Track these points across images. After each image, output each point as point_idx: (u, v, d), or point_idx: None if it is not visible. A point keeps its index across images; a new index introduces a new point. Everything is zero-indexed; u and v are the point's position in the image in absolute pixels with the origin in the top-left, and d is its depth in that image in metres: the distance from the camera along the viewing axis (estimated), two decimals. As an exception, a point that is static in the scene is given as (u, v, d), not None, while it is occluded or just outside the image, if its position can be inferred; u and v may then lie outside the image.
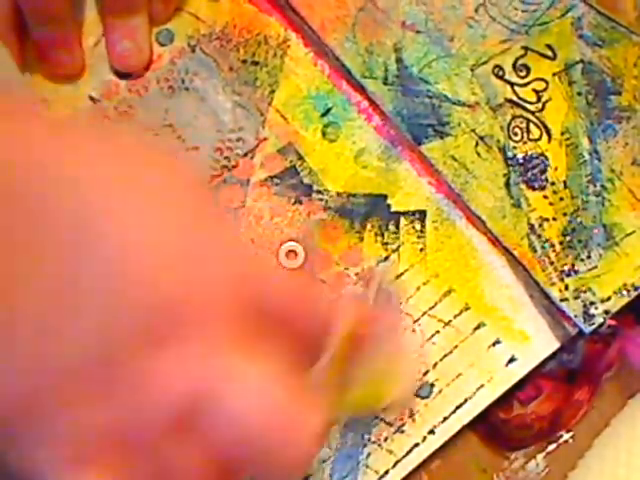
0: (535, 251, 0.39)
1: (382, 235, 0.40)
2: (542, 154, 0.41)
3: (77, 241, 0.27)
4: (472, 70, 0.41)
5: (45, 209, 0.27)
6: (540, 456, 0.38)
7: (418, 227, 0.40)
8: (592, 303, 0.38)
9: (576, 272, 0.39)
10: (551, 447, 0.39)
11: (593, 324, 0.38)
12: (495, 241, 0.40)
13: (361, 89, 0.41)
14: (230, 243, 0.30)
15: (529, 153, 0.41)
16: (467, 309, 0.39)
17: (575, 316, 0.38)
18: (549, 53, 0.42)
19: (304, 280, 0.34)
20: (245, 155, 0.41)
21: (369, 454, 0.38)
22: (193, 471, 0.28)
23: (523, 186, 0.40)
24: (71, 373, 0.27)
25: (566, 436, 0.39)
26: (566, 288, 0.38)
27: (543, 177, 0.40)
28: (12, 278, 0.26)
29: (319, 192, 0.40)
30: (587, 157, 0.40)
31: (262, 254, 0.36)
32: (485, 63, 0.42)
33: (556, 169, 0.40)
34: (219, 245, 0.29)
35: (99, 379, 0.27)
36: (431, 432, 0.38)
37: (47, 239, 0.27)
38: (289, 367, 0.29)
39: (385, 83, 0.41)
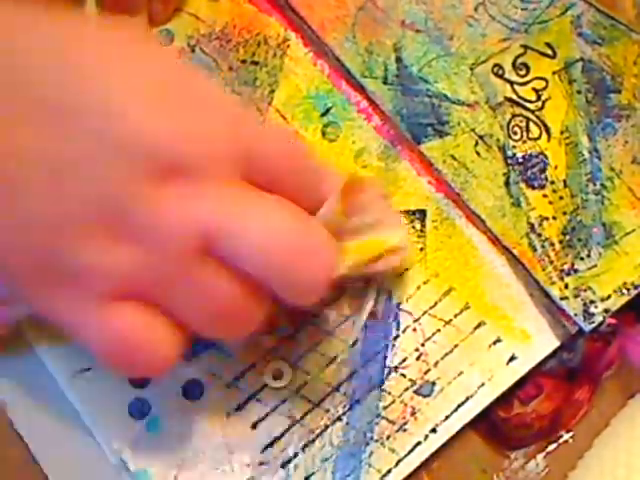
0: (535, 250, 0.39)
1: (382, 235, 0.40)
2: (542, 153, 0.41)
3: (74, 93, 0.29)
4: (472, 69, 0.42)
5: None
6: (540, 456, 0.38)
7: (418, 226, 0.40)
8: (592, 302, 0.38)
9: (576, 271, 0.39)
10: (551, 447, 0.39)
11: (593, 323, 0.38)
12: (495, 240, 0.40)
13: (361, 89, 0.42)
14: (220, 100, 0.32)
15: (529, 152, 0.41)
16: (467, 308, 0.39)
17: (575, 315, 0.38)
18: (549, 52, 0.42)
19: (293, 139, 0.35)
20: (246, 155, 0.41)
21: (372, 452, 0.38)
22: (224, 292, 0.30)
23: (523, 185, 0.40)
24: (87, 214, 0.29)
25: (566, 436, 0.39)
26: (566, 287, 0.39)
27: (543, 176, 0.40)
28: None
29: (319, 192, 0.40)
30: (587, 156, 0.41)
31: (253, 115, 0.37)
32: (485, 62, 0.42)
33: (556, 168, 0.40)
34: (210, 100, 0.31)
35: (113, 221, 0.29)
36: (433, 430, 0.38)
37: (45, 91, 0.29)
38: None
39: (385, 83, 0.41)
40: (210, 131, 0.30)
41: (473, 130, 0.41)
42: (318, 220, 0.33)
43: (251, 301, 0.31)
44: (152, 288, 0.30)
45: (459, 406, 0.38)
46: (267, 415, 0.38)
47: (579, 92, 0.41)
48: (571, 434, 0.39)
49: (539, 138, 0.41)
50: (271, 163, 0.32)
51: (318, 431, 0.38)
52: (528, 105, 0.41)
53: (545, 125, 0.41)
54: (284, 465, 0.38)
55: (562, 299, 0.38)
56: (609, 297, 0.38)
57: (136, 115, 0.29)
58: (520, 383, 0.39)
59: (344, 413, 0.38)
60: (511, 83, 0.41)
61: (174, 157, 0.29)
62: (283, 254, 0.30)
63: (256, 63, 0.42)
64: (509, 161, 0.40)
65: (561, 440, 0.38)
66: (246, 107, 0.36)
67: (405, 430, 0.38)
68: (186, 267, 0.30)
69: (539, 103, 0.41)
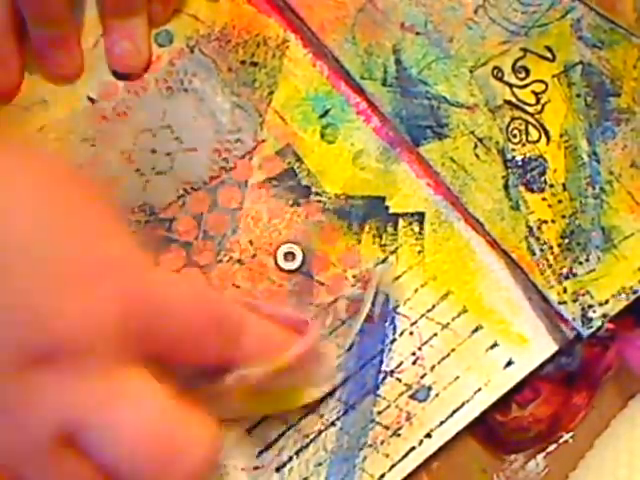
0: (534, 254, 0.39)
1: (380, 237, 0.40)
2: (541, 156, 0.40)
3: None
4: (471, 72, 0.41)
5: None
6: (540, 456, 0.38)
7: (416, 229, 0.40)
8: (590, 306, 0.38)
9: (574, 275, 0.39)
10: (551, 447, 0.38)
11: (591, 327, 0.38)
12: (493, 243, 0.40)
13: (360, 90, 0.41)
14: (112, 257, 0.28)
15: (528, 155, 0.40)
16: (465, 312, 0.39)
17: (573, 319, 0.38)
18: (548, 55, 0.42)
19: (205, 295, 0.32)
20: (243, 157, 0.41)
21: (365, 457, 0.37)
22: None
23: (522, 188, 0.40)
24: None
25: (566, 436, 0.38)
26: (564, 291, 0.38)
27: (542, 179, 0.40)
28: None
29: (317, 194, 0.40)
30: (586, 159, 0.40)
31: (146, 262, 0.30)
32: (484, 65, 0.41)
33: (555, 171, 0.40)
34: (98, 260, 0.28)
35: None
36: (428, 435, 0.38)
37: None
38: (180, 384, 0.29)
39: (384, 84, 0.41)
40: (101, 307, 0.27)
41: (472, 133, 0.41)
42: (223, 388, 0.32)
43: None
44: (11, 469, 0.29)
45: (455, 411, 0.38)
46: (262, 420, 0.38)
47: (578, 95, 0.41)
48: (571, 434, 0.38)
49: (538, 141, 0.41)
50: (169, 335, 0.29)
51: (312, 436, 0.38)
52: (527, 108, 0.41)
53: (544, 128, 0.41)
54: (278, 469, 0.38)
55: (560, 303, 0.38)
56: (607, 302, 0.38)
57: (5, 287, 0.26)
58: (518, 386, 0.38)
59: (338, 418, 0.38)
60: (510, 86, 0.41)
61: (51, 340, 0.27)
62: (150, 454, 0.28)
63: (255, 64, 0.42)
64: (508, 164, 0.40)
65: (561, 440, 0.38)
66: (144, 254, 0.30)
67: (399, 435, 0.38)
68: (43, 455, 0.28)
69: (538, 106, 0.41)
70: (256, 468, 0.37)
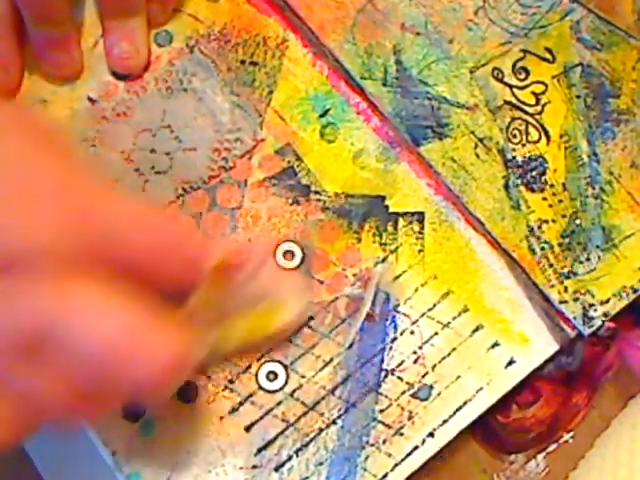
0: (534, 253, 0.39)
1: (380, 236, 0.40)
2: (541, 156, 0.40)
3: None
4: (471, 72, 0.41)
5: None
6: (540, 456, 0.38)
7: (417, 228, 0.40)
8: (591, 305, 0.38)
9: (575, 274, 0.39)
10: (551, 447, 0.38)
11: (592, 326, 0.38)
12: (494, 243, 0.40)
13: (360, 90, 0.41)
14: (59, 180, 0.30)
15: (528, 155, 0.40)
16: (466, 311, 0.39)
17: (574, 318, 0.38)
18: (548, 56, 0.42)
19: (161, 217, 0.33)
20: (243, 156, 0.41)
21: (367, 457, 0.37)
22: (52, 393, 0.29)
23: (522, 188, 0.40)
24: None
25: (567, 436, 0.38)
26: (565, 290, 0.38)
27: (542, 179, 0.40)
28: None
29: (317, 193, 0.40)
30: (586, 159, 0.40)
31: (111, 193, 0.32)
32: (484, 65, 0.42)
33: (555, 171, 0.40)
34: (51, 183, 0.30)
35: None
36: (430, 435, 0.37)
37: None
38: (146, 303, 0.29)
39: (384, 84, 0.41)
40: (45, 222, 0.29)
41: (473, 133, 0.41)
42: (185, 310, 0.32)
43: (75, 401, 0.30)
44: None
45: (457, 410, 0.38)
46: (261, 418, 0.38)
47: (578, 96, 0.41)
48: (571, 434, 0.38)
49: (538, 141, 0.41)
50: (127, 251, 0.30)
51: (312, 435, 0.38)
52: (527, 109, 0.41)
53: (544, 129, 0.41)
54: (278, 468, 0.37)
55: (561, 302, 0.38)
56: (608, 301, 0.38)
57: None
58: (518, 388, 0.38)
59: (339, 417, 0.38)
60: (510, 87, 0.41)
61: (3, 252, 0.28)
62: (111, 360, 0.29)
63: (255, 64, 0.42)
64: (508, 164, 0.40)
65: (561, 440, 0.38)
66: (103, 183, 0.32)
67: (402, 434, 0.38)
68: (8, 363, 0.29)
69: (538, 107, 0.41)
70: (254, 467, 0.37)
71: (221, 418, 0.38)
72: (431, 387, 0.38)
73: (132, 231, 0.30)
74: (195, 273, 0.32)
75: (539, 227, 0.39)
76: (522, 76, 0.42)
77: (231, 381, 0.38)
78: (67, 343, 0.28)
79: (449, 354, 0.38)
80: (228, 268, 0.33)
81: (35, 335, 0.28)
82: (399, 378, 0.38)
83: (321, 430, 0.37)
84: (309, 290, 0.38)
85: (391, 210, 0.40)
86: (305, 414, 0.38)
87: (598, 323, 0.38)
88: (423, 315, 0.39)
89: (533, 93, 0.41)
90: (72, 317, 0.28)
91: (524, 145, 0.40)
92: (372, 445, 0.37)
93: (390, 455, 0.37)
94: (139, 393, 0.30)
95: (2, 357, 0.29)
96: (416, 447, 0.37)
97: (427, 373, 0.38)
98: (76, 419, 0.31)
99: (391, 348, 0.38)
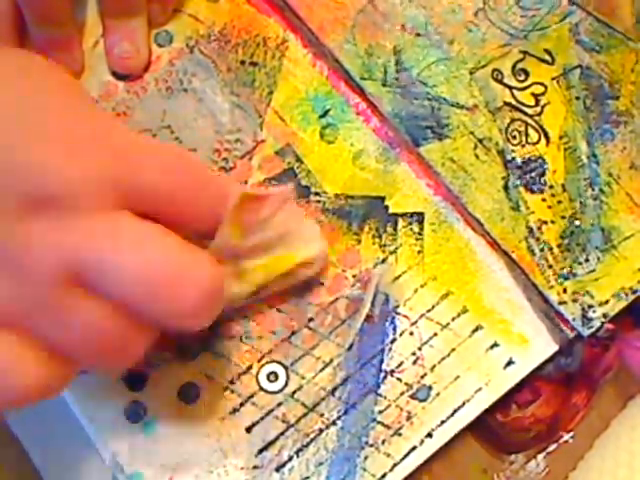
0: (534, 254, 0.39)
1: (380, 237, 0.40)
2: (540, 157, 0.41)
3: None
4: (471, 73, 0.42)
5: None
6: (540, 456, 0.38)
7: (416, 229, 0.40)
8: (590, 306, 0.38)
9: (574, 275, 0.39)
10: (551, 447, 0.38)
11: (591, 327, 0.38)
12: (493, 244, 0.40)
13: (360, 91, 0.41)
14: (96, 126, 0.31)
15: (528, 156, 0.40)
16: (465, 312, 0.39)
17: (573, 319, 0.38)
18: (547, 58, 0.42)
19: (181, 163, 0.33)
20: (243, 157, 0.41)
21: (366, 457, 0.37)
22: (95, 323, 0.30)
23: (522, 189, 0.40)
24: None
25: (566, 436, 0.38)
26: (564, 291, 0.38)
27: (542, 180, 0.40)
28: None
29: (317, 194, 0.40)
30: (585, 161, 0.40)
31: (134, 140, 0.33)
32: (484, 67, 0.42)
33: (554, 172, 0.40)
34: (82, 128, 0.31)
35: None
36: (429, 435, 0.38)
37: None
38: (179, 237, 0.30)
39: (384, 85, 0.41)
40: (80, 162, 0.30)
41: (472, 133, 0.41)
42: (212, 248, 0.33)
43: (128, 331, 0.30)
44: (25, 320, 0.30)
45: (455, 411, 0.38)
46: (262, 419, 0.38)
47: (577, 98, 0.41)
48: (571, 434, 0.38)
49: (538, 143, 0.41)
50: (154, 191, 0.31)
51: (313, 435, 0.38)
52: (527, 110, 0.41)
53: (544, 130, 0.41)
54: (278, 469, 0.37)
55: (560, 303, 0.38)
56: (607, 302, 0.38)
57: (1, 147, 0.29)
58: (518, 387, 0.38)
59: (339, 417, 0.38)
60: (510, 88, 0.41)
61: (42, 190, 0.29)
62: (155, 285, 0.29)
63: (255, 64, 0.42)
64: (508, 165, 0.40)
65: (561, 440, 0.38)
66: (130, 132, 0.33)
67: (400, 435, 0.38)
68: (55, 299, 0.29)
69: (538, 108, 0.41)
70: (255, 467, 0.37)
71: (222, 419, 0.38)
72: (430, 388, 0.38)
73: (161, 173, 0.31)
74: (218, 212, 0.33)
75: (538, 228, 0.39)
76: (522, 77, 0.42)
77: (232, 382, 0.38)
78: (114, 273, 0.29)
79: (448, 355, 0.38)
80: (249, 207, 0.33)
81: (83, 268, 0.29)
82: (398, 379, 0.38)
83: (321, 431, 0.38)
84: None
85: (391, 211, 0.40)
86: (305, 415, 0.38)
87: (597, 324, 0.38)
88: (422, 316, 0.39)
89: (533, 94, 0.41)
90: (116, 246, 0.29)
91: (524, 146, 0.41)
92: (371, 445, 0.37)
93: (389, 455, 0.37)
94: (183, 320, 0.30)
95: (53, 289, 0.29)
96: (414, 447, 0.37)
97: (426, 374, 0.38)
98: (126, 355, 0.31)
99: (390, 349, 0.38)
